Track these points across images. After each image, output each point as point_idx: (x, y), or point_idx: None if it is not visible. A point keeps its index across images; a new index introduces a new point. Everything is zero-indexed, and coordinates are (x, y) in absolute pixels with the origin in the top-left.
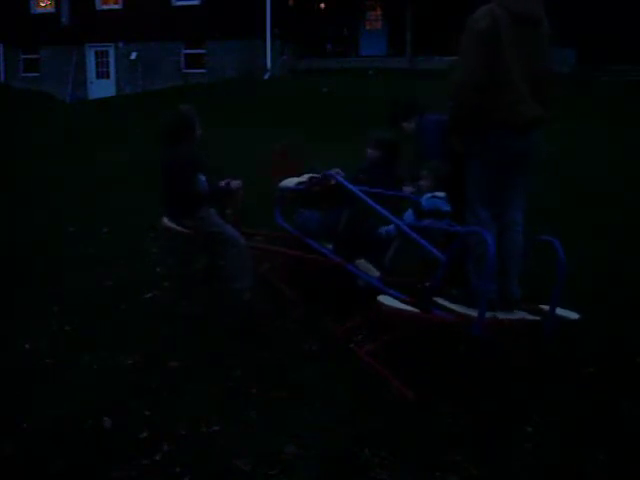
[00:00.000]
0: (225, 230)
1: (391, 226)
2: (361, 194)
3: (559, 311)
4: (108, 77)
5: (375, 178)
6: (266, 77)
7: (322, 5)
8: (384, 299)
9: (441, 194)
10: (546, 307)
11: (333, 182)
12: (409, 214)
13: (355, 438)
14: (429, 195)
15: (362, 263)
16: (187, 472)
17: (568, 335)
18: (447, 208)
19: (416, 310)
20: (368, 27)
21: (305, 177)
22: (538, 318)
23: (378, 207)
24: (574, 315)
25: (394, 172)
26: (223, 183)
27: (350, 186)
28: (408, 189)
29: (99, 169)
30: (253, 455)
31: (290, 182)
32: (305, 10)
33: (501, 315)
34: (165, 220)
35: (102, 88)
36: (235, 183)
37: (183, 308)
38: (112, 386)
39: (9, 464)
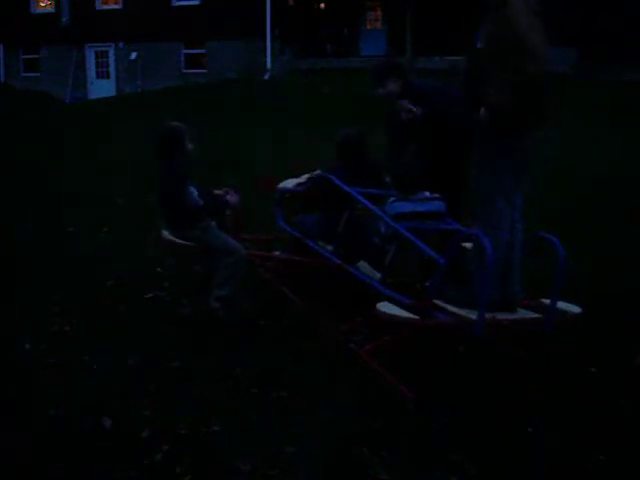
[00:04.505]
0: (226, 241)
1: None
2: (359, 196)
3: (561, 305)
4: (108, 77)
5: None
6: (266, 77)
7: (322, 5)
8: (382, 306)
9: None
10: (547, 301)
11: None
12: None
13: (355, 438)
14: (391, 199)
15: (363, 265)
16: (187, 472)
17: (568, 335)
18: (416, 208)
19: (415, 317)
20: (368, 27)
21: (303, 178)
22: (539, 315)
23: (375, 209)
24: (576, 309)
25: (364, 170)
26: (221, 192)
27: (347, 188)
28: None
29: (99, 169)
30: (253, 455)
31: (289, 183)
32: (305, 10)
33: (501, 315)
34: (165, 233)
35: (102, 88)
36: (234, 199)
37: (183, 308)
38: (112, 386)
39: (9, 464)
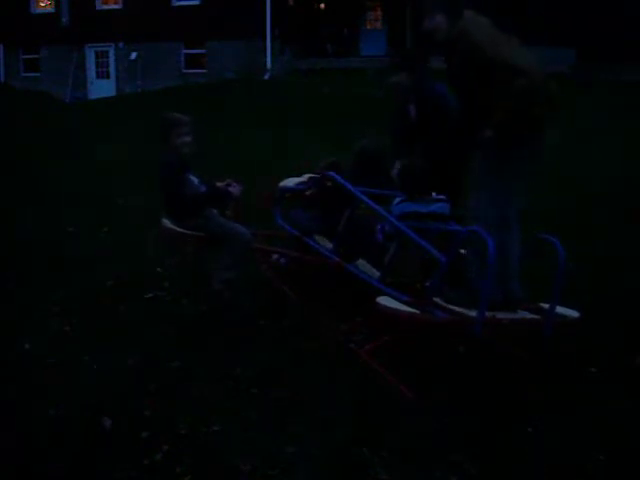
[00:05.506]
0: (231, 226)
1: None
2: (361, 195)
3: (559, 310)
4: (108, 77)
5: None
6: (266, 77)
7: (322, 5)
8: (383, 300)
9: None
10: (546, 306)
11: (330, 184)
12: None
13: (355, 438)
14: (397, 200)
15: (362, 264)
16: (187, 472)
17: (568, 335)
18: (420, 209)
19: (415, 311)
20: (368, 27)
21: (305, 177)
22: (538, 317)
23: (378, 207)
24: (574, 313)
25: (379, 178)
26: (223, 184)
27: (350, 187)
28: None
29: (99, 169)
30: (253, 455)
31: (290, 182)
32: (305, 10)
33: (500, 315)
34: (165, 222)
35: (102, 88)
36: (236, 190)
37: (183, 308)
38: (112, 386)
39: (9, 464)
